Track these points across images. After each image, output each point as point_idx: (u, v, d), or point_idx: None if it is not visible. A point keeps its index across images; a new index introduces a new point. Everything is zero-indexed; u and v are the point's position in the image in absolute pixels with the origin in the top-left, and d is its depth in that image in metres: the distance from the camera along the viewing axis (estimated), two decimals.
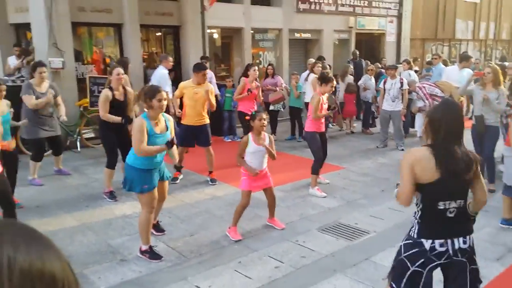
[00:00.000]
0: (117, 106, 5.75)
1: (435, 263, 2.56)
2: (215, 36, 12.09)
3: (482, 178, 2.65)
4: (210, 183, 6.57)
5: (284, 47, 12.60)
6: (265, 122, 4.72)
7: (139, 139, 4.05)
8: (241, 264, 4.18)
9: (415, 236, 2.60)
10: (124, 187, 4.29)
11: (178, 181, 6.60)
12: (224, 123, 9.72)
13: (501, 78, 6.21)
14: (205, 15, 10.24)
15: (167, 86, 7.87)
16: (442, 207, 2.54)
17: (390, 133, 9.19)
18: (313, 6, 13.06)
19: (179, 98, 6.71)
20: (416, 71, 10.75)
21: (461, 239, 2.56)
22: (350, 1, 14.18)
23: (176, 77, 10.27)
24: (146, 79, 9.43)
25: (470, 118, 11.27)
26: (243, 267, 4.12)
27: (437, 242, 2.53)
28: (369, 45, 15.81)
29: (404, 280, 2.59)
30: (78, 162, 7.78)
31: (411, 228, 2.66)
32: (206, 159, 6.67)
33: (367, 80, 10.50)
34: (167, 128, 4.32)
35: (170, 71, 10.40)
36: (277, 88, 9.40)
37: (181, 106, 6.81)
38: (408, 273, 2.58)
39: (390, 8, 15.59)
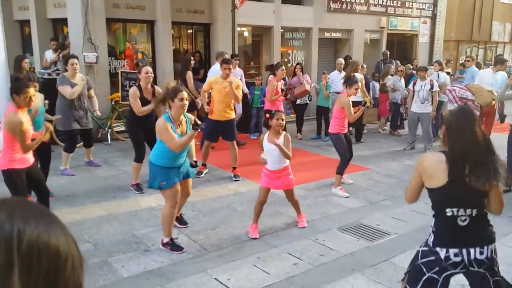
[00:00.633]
0: (144, 104, 5.89)
1: (451, 272, 2.55)
2: (245, 34, 12.19)
3: (500, 190, 2.55)
4: (234, 179, 6.66)
5: (314, 46, 12.58)
6: (283, 123, 4.73)
7: (169, 138, 4.11)
8: (260, 260, 4.25)
9: (431, 245, 2.60)
10: (148, 184, 4.43)
11: (202, 175, 6.73)
12: (251, 121, 9.81)
13: None
14: (236, 13, 10.34)
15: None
16: (450, 214, 2.52)
17: (419, 135, 9.06)
18: (344, 6, 12.97)
19: (207, 93, 6.82)
20: (448, 73, 10.55)
21: (477, 249, 2.50)
22: (383, 1, 14.01)
23: (205, 75, 10.43)
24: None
25: (502, 122, 11.09)
26: (262, 262, 4.19)
27: (451, 251, 2.51)
28: (401, 46, 15.58)
29: (419, 285, 2.60)
30: (108, 154, 8.02)
31: (429, 235, 2.66)
32: (230, 154, 6.76)
33: (397, 81, 10.37)
34: (188, 127, 4.38)
35: (198, 68, 10.61)
36: (304, 81, 9.41)
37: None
38: (424, 278, 2.59)
39: (423, 9, 15.31)
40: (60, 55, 8.73)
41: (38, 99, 5.51)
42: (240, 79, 9.19)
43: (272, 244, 4.57)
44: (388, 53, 12.63)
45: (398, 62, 11.48)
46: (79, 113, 6.61)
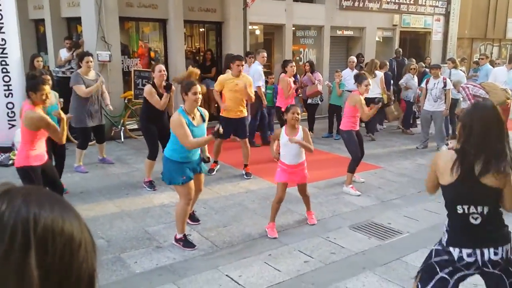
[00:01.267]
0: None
1: (464, 273, 2.54)
2: (257, 32, 12.19)
3: None
4: (245, 177, 6.69)
5: (325, 44, 12.53)
6: (298, 117, 4.76)
7: (183, 134, 4.14)
8: (271, 257, 4.27)
9: (444, 244, 2.58)
10: (164, 180, 4.47)
11: (214, 173, 6.77)
12: (263, 119, 9.81)
13: None
14: (247, 11, 10.36)
15: (260, 81, 8.20)
16: (461, 211, 2.50)
17: (431, 134, 8.99)
18: (356, 3, 12.90)
19: (220, 92, 6.84)
20: (462, 71, 10.44)
21: (491, 250, 2.47)
22: None
23: (217, 73, 10.47)
24: None
25: None
26: (273, 260, 4.21)
27: (464, 251, 2.48)
28: (414, 44, 15.45)
29: (431, 284, 2.59)
30: (121, 152, 8.10)
31: (443, 234, 2.65)
32: (242, 152, 6.79)
33: (409, 79, 10.29)
34: (203, 120, 4.45)
35: (210, 66, 10.65)
36: (316, 81, 9.39)
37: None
38: (437, 277, 2.58)
39: (437, 6, 15.16)
40: (74, 54, 8.83)
41: (52, 97, 5.59)
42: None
43: (283, 242, 4.59)
44: (401, 51, 12.53)
45: (413, 60, 11.33)
46: (93, 109, 6.70)
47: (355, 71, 10.04)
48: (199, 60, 11.32)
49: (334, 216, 5.34)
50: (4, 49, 7.00)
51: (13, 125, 7.09)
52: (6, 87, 7.10)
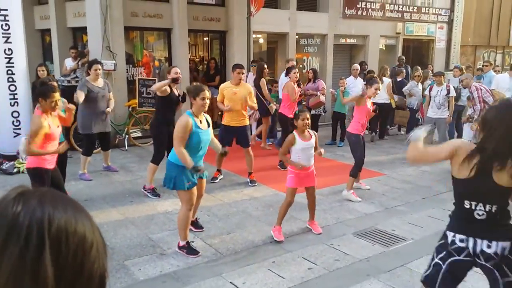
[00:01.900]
0: (171, 101, 6.06)
1: (454, 257, 2.58)
2: (261, 41, 12.27)
3: None
4: (250, 184, 6.69)
5: (329, 52, 12.59)
6: (308, 122, 4.80)
7: (181, 138, 4.19)
8: (275, 264, 4.26)
9: (445, 229, 2.68)
10: (166, 186, 4.44)
11: (217, 181, 6.78)
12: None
13: None
14: (251, 20, 10.43)
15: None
16: (467, 206, 2.53)
17: (435, 141, 8.96)
18: (359, 12, 12.97)
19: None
20: None
21: (485, 241, 2.49)
22: (399, 6, 13.97)
23: (221, 81, 10.52)
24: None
25: None
26: (277, 267, 4.20)
27: (457, 236, 2.56)
28: (417, 52, 15.49)
29: (429, 270, 2.70)
30: (125, 160, 8.14)
31: None
32: (245, 160, 6.80)
33: (413, 86, 10.30)
34: (208, 125, 4.49)
35: (214, 75, 10.71)
36: (318, 92, 9.41)
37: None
38: (432, 263, 2.69)
39: (440, 14, 15.21)
40: (79, 63, 8.92)
41: (60, 104, 5.66)
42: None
43: (287, 249, 4.58)
44: (404, 59, 12.56)
45: (418, 67, 11.33)
46: (100, 116, 6.77)
47: (359, 79, 10.09)
48: (203, 68, 11.39)
49: (338, 223, 5.33)
50: (10, 58, 7.08)
51: (18, 134, 7.15)
52: (12, 96, 7.17)
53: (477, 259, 2.54)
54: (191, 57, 11.36)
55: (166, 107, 6.06)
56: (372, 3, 13.27)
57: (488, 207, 2.50)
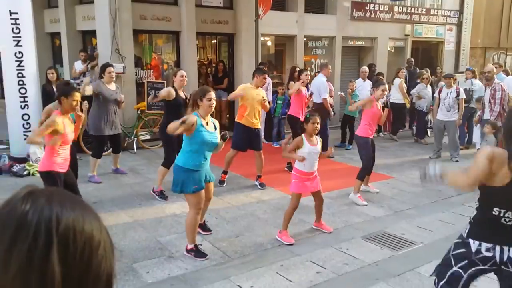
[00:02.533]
0: (177, 105, 6.06)
1: (479, 267, 2.50)
2: (269, 43, 12.28)
3: None
4: (259, 187, 6.69)
5: (337, 55, 12.56)
6: (318, 126, 4.80)
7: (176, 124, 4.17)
8: (283, 267, 4.25)
9: (465, 236, 2.56)
10: (174, 190, 4.43)
11: (225, 184, 6.78)
12: (273, 129, 9.86)
13: None
14: (259, 23, 10.44)
15: (325, 93, 8.39)
16: (496, 214, 2.46)
17: (444, 144, 8.91)
18: (368, 14, 12.94)
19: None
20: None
21: None
22: (407, 8, 13.91)
23: (229, 84, 10.56)
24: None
25: None
26: (285, 270, 4.19)
27: (484, 245, 2.47)
28: (426, 54, 15.40)
29: (445, 279, 2.59)
30: (134, 162, 8.17)
31: (466, 228, 2.62)
32: (255, 163, 6.80)
33: (422, 88, 10.25)
34: (215, 128, 4.48)
35: (222, 77, 10.73)
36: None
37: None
38: (450, 271, 2.56)
39: (449, 16, 15.12)
40: (89, 66, 8.98)
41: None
42: (267, 87, 9.34)
43: (296, 252, 4.57)
44: (413, 61, 12.50)
45: (427, 69, 11.28)
46: (112, 118, 6.83)
47: (368, 81, 10.07)
48: (211, 71, 11.41)
49: (347, 227, 5.31)
50: (21, 61, 7.15)
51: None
52: (22, 99, 7.24)
53: (504, 267, 2.47)
54: (200, 59, 11.38)
55: (173, 111, 6.04)
56: (380, 5, 13.23)
57: None
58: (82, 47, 9.82)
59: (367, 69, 10.43)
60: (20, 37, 7.10)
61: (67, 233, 0.73)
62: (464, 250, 2.53)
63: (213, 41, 12.24)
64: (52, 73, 7.85)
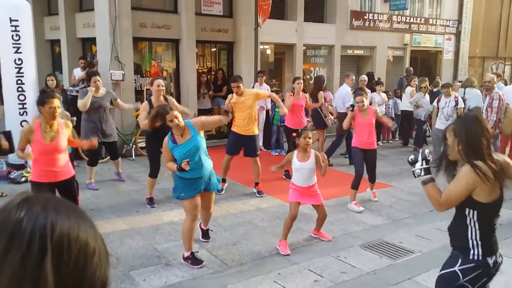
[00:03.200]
0: None
1: (492, 275, 2.58)
2: (268, 52, 12.32)
3: None
4: (257, 195, 6.67)
5: (336, 63, 12.61)
6: (310, 141, 4.78)
7: (164, 157, 4.46)
8: (280, 276, 4.22)
9: (480, 258, 2.50)
10: (173, 196, 4.54)
11: (223, 192, 6.76)
12: (272, 137, 9.86)
13: None
14: (259, 31, 10.49)
15: (348, 103, 8.35)
16: (495, 223, 2.57)
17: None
18: (367, 23, 13.01)
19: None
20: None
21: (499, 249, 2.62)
22: (406, 18, 13.99)
23: (228, 92, 10.55)
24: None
25: None
26: (283, 279, 4.16)
27: (497, 254, 2.57)
28: (425, 63, 15.47)
29: None
30: (132, 169, 8.15)
31: (469, 251, 2.53)
32: (253, 170, 6.79)
33: (420, 97, 10.27)
34: (194, 131, 4.34)
35: (221, 85, 10.74)
36: (325, 103, 9.39)
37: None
38: None
39: (448, 25, 15.21)
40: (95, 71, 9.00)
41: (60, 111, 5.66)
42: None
43: (293, 261, 4.54)
44: (412, 70, 12.54)
45: (425, 78, 11.33)
46: (103, 126, 6.77)
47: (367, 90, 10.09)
48: (210, 79, 11.44)
49: (345, 235, 5.29)
50: (20, 68, 7.16)
51: None
52: (21, 106, 7.24)
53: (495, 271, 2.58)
54: (199, 67, 11.41)
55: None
56: (379, 15, 13.30)
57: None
58: (82, 54, 9.85)
59: (366, 78, 10.45)
60: (19, 44, 7.12)
61: (61, 241, 0.72)
62: (481, 270, 2.51)
63: (212, 49, 12.28)
64: (52, 80, 7.85)
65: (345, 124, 6.38)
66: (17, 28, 7.07)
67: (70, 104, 8.23)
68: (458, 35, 15.50)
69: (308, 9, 11.89)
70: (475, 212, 2.49)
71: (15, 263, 0.69)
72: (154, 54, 10.54)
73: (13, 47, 7.08)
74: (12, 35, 7.05)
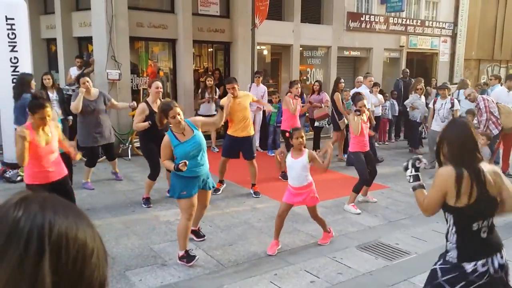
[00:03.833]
0: (153, 120, 5.84)
1: (476, 284, 2.51)
2: (265, 52, 12.33)
3: (509, 185, 2.55)
4: (254, 195, 6.67)
5: (332, 65, 12.64)
6: (302, 140, 4.76)
7: (162, 155, 4.43)
8: (277, 276, 4.22)
9: (454, 261, 2.55)
10: (170, 195, 4.53)
11: (220, 192, 6.75)
12: (268, 138, 9.87)
13: None
14: (256, 32, 10.49)
15: (368, 104, 8.26)
16: (476, 228, 2.52)
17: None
18: (363, 25, 13.04)
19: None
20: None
21: (498, 254, 2.53)
22: (402, 20, 14.04)
23: (224, 92, 10.54)
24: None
25: None
26: (279, 279, 4.16)
27: (479, 263, 2.50)
28: (421, 65, 15.53)
29: None
30: (128, 169, 8.13)
31: (447, 253, 2.61)
32: (249, 172, 6.78)
33: (416, 99, 10.31)
34: (195, 128, 4.42)
35: (218, 86, 10.71)
36: (322, 105, 9.43)
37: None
38: None
39: (444, 28, 15.28)
40: (84, 72, 8.96)
41: (54, 114, 5.62)
42: (262, 96, 9.34)
43: (289, 261, 4.54)
44: (408, 72, 12.59)
45: (421, 79, 11.36)
46: (98, 129, 6.72)
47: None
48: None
49: (341, 236, 5.29)
50: (16, 67, 7.13)
51: None
52: None
53: (495, 275, 2.51)
54: (196, 67, 11.39)
55: (150, 126, 5.86)
56: (376, 16, 13.34)
57: (486, 221, 2.54)
58: (78, 54, 9.82)
59: (362, 79, 10.47)
60: (15, 42, 7.09)
61: (59, 241, 0.71)
62: (457, 273, 2.53)
63: (209, 49, 12.26)
64: (48, 79, 7.81)
65: (356, 131, 6.17)
66: (13, 27, 7.05)
67: (66, 103, 8.19)
68: (454, 37, 15.58)
69: (305, 10, 11.92)
70: (451, 215, 2.57)
71: (13, 263, 0.68)
72: (150, 53, 10.51)
73: (9, 46, 7.05)
74: (8, 34, 7.03)
